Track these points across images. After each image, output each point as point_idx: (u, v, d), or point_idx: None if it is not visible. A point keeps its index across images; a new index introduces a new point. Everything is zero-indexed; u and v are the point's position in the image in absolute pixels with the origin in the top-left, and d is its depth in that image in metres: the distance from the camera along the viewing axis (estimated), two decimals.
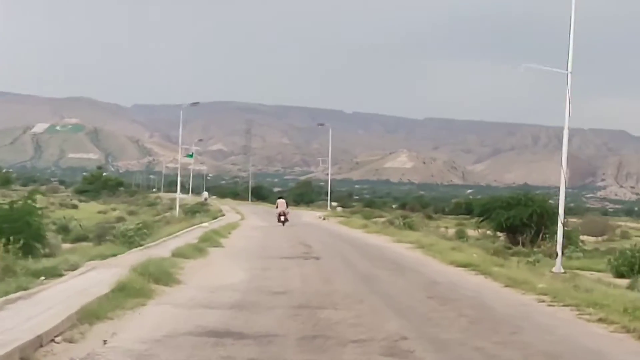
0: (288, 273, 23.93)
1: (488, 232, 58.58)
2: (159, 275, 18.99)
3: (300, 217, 74.86)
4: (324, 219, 73.97)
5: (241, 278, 21.88)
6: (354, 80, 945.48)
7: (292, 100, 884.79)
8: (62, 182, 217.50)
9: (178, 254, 26.76)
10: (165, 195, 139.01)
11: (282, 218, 58.62)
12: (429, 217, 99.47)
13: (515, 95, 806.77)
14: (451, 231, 66.64)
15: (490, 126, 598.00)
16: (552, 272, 26.16)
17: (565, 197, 29.48)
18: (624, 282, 27.90)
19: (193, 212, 71.07)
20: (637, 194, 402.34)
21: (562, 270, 26.84)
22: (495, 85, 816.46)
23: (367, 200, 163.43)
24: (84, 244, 36.76)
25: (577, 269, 34.30)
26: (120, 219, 65.78)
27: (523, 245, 49.22)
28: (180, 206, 78.33)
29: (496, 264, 27.27)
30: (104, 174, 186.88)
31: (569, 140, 29.22)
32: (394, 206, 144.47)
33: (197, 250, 29.73)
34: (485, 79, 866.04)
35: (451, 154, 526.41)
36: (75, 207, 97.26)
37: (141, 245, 29.63)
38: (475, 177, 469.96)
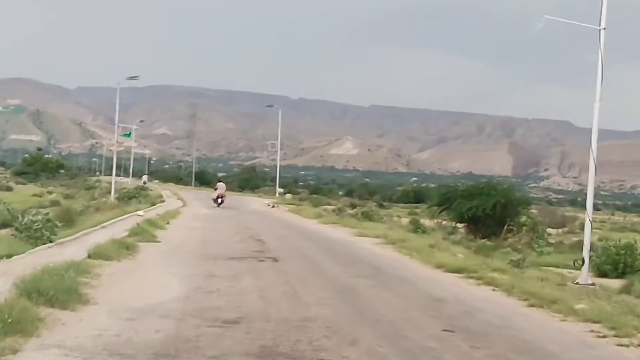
0: (241, 284, 18.27)
1: (443, 222, 54.19)
2: (57, 293, 12.87)
3: (247, 205, 69.98)
4: (273, 206, 68.25)
5: (176, 292, 16.13)
6: (300, 66, 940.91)
7: (238, 85, 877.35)
8: (2, 164, 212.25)
9: (97, 254, 20.91)
10: (106, 179, 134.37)
11: (219, 200, 67.28)
12: (380, 206, 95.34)
13: (461, 85, 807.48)
14: (404, 220, 64.88)
15: (436, 114, 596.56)
16: (576, 283, 21.51)
17: (593, 195, 23.76)
18: (613, 282, 25.02)
19: (129, 198, 63.21)
20: (579, 184, 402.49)
21: (590, 282, 22.04)
22: (441, 74, 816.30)
23: (313, 187, 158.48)
24: None
25: (551, 265, 32.01)
26: (55, 203, 65.55)
27: (484, 237, 44.14)
28: (117, 190, 72.10)
29: (493, 268, 22.90)
30: (47, 156, 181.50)
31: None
32: (340, 193, 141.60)
33: (124, 247, 23.82)
34: (432, 68, 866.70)
35: (396, 142, 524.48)
36: (9, 189, 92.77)
37: (51, 242, 23.22)
38: (420, 165, 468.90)
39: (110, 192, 75.68)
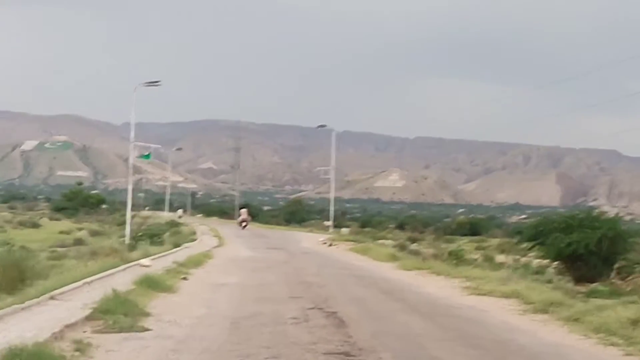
0: None
1: (525, 258, 47.43)
2: None
3: (299, 242, 61.13)
4: (331, 244, 59.37)
5: None
6: (344, 99, 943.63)
7: (283, 119, 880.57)
8: (48, 200, 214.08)
9: None
10: (145, 214, 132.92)
11: (243, 224, 79.76)
12: (443, 239, 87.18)
13: (506, 115, 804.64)
14: (475, 255, 54.79)
15: (481, 145, 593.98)
16: None
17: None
18: None
19: (150, 236, 51.13)
20: (630, 213, 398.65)
21: None
22: (486, 104, 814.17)
23: (362, 219, 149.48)
24: None
25: None
26: (78, 241, 59.22)
27: (582, 278, 37.82)
28: (141, 226, 64.74)
29: None
30: (94, 192, 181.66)
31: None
32: (391, 225, 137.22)
33: None
34: (476, 98, 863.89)
35: (442, 173, 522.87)
36: (36, 226, 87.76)
37: None
38: (467, 196, 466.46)
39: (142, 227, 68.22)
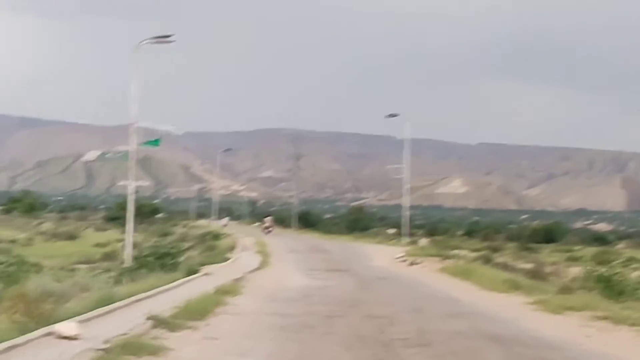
0: None
1: None
2: None
3: (367, 259, 48.90)
4: (412, 263, 45.12)
5: None
6: (405, 105, 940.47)
7: (343, 127, 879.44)
8: (110, 210, 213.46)
9: None
10: (197, 223, 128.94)
11: (267, 230, 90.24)
12: (526, 249, 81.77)
13: (568, 120, 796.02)
14: (574, 271, 44.09)
15: (544, 151, 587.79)
16: None
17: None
18: None
19: (160, 256, 35.14)
20: None
21: None
22: (547, 109, 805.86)
23: (428, 227, 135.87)
24: None
25: None
26: (107, 256, 52.93)
27: None
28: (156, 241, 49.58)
29: None
30: (155, 201, 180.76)
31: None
32: (458, 232, 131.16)
33: None
34: (537, 102, 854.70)
35: (505, 179, 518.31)
36: (72, 237, 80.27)
37: None
38: (530, 202, 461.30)
39: (184, 239, 59.18)
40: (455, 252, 53.16)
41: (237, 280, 31.00)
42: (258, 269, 38.71)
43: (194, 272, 33.89)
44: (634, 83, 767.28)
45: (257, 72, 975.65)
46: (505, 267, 41.05)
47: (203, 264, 38.79)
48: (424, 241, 70.14)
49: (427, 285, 32.75)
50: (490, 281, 31.87)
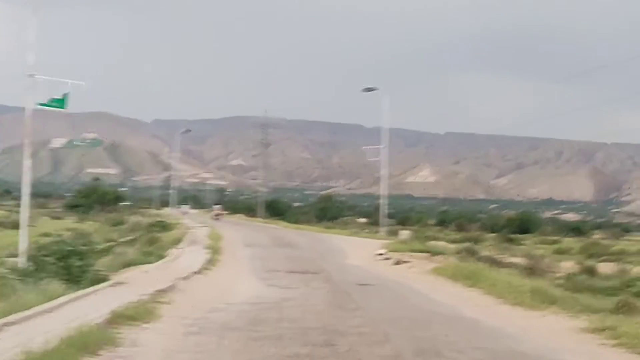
0: None
1: None
2: None
3: (342, 256, 41.74)
4: (398, 262, 37.64)
5: None
6: (374, 95, 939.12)
7: (312, 115, 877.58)
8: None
9: None
10: (160, 212, 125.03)
11: (216, 217, 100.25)
12: (508, 240, 77.27)
13: (536, 109, 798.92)
14: (567, 265, 42.38)
15: (512, 140, 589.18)
16: None
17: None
18: None
19: (61, 256, 26.13)
20: None
21: None
22: (516, 99, 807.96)
23: (399, 216, 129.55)
24: None
25: None
26: (41, 247, 45.18)
27: None
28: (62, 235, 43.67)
29: None
30: (123, 189, 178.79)
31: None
32: (430, 222, 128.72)
33: None
34: (506, 92, 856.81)
35: (473, 169, 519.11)
36: (16, 227, 73.86)
37: None
38: (498, 192, 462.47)
39: (133, 229, 55.80)
40: (433, 243, 47.87)
41: (161, 292, 21.51)
42: (199, 272, 29.60)
43: (101, 280, 25.01)
44: (602, 74, 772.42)
45: (226, 59, 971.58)
46: (493, 261, 36.58)
47: (130, 264, 31.77)
48: (405, 234, 60.34)
49: (425, 296, 24.40)
50: (509, 290, 23.73)
